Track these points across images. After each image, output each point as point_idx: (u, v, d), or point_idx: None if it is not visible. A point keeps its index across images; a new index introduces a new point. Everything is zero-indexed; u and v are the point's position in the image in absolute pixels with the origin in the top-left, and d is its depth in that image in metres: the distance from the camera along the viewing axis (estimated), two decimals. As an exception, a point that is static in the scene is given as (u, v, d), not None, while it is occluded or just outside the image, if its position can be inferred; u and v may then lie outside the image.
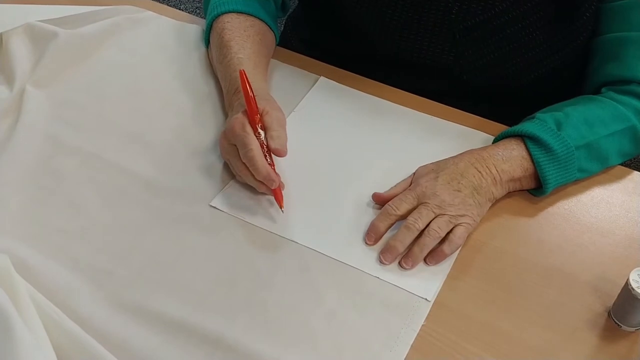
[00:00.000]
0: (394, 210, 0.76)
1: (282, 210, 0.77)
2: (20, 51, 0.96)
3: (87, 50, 0.99)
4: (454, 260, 0.75)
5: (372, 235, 0.75)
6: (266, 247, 0.76)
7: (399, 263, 0.74)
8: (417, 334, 0.68)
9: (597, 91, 0.88)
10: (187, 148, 0.86)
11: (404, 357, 0.67)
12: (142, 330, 0.68)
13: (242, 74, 0.79)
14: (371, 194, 0.80)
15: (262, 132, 0.77)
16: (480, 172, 0.77)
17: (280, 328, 0.69)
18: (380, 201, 0.79)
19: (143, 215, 0.78)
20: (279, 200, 0.77)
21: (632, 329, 0.70)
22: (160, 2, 1.12)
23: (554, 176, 0.79)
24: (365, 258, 0.75)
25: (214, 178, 0.82)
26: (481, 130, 0.89)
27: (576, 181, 0.82)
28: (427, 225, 0.74)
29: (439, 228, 0.73)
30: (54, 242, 0.76)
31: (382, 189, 0.81)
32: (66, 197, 0.80)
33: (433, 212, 0.74)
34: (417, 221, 0.74)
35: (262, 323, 0.69)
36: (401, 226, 0.74)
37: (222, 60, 0.89)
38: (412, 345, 0.68)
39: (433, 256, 0.74)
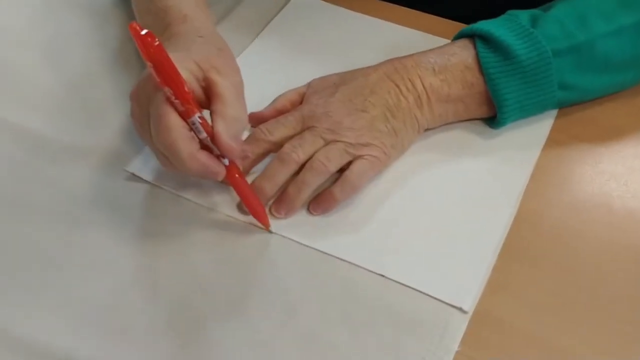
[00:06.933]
0: (265, 134, 0.58)
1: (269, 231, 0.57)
2: None
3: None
4: (500, 245, 0.55)
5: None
6: (203, 226, 0.57)
7: (270, 210, 0.57)
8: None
9: None
10: (92, 99, 0.68)
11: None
12: None
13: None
14: None
15: (197, 113, 0.51)
16: (398, 86, 0.61)
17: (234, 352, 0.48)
18: (256, 121, 0.62)
19: (28, 189, 0.60)
20: (259, 215, 0.56)
21: None
22: None
23: (513, 94, 0.60)
24: (359, 246, 0.55)
25: (131, 137, 0.63)
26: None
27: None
28: (311, 157, 0.58)
29: (327, 159, 0.57)
30: None
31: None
32: None
33: (322, 137, 0.58)
34: (296, 149, 0.57)
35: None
36: (273, 158, 0.58)
37: None
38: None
39: (318, 202, 0.58)
